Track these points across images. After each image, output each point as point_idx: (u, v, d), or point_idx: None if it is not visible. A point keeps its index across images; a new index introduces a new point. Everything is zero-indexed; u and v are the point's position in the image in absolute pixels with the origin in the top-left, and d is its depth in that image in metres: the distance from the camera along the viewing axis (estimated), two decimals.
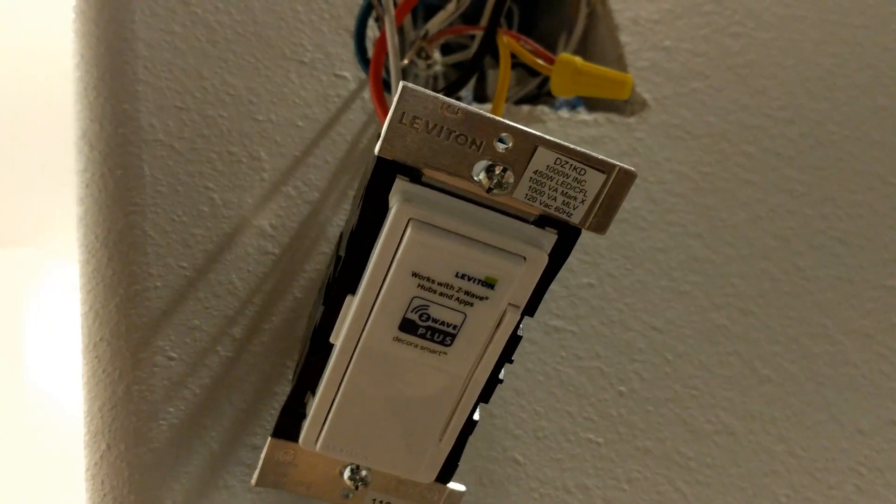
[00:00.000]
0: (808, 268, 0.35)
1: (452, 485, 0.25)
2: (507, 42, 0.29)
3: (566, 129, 0.35)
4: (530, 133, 0.19)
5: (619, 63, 0.37)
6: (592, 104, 0.36)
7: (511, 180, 0.19)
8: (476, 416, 0.23)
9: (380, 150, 0.19)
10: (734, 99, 0.37)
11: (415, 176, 0.20)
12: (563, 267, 0.21)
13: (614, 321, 0.32)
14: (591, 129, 0.35)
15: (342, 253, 0.22)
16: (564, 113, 0.35)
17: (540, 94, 0.39)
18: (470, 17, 0.37)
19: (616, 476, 0.30)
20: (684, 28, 0.38)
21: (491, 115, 0.19)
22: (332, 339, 0.22)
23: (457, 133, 0.19)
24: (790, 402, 0.33)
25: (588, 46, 0.39)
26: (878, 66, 0.39)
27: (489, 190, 0.19)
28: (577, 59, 0.30)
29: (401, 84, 0.18)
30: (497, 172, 0.19)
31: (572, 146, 0.19)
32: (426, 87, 0.36)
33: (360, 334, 0.21)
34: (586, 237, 0.33)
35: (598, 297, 0.32)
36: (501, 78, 0.27)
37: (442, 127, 0.19)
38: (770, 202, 0.35)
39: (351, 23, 0.33)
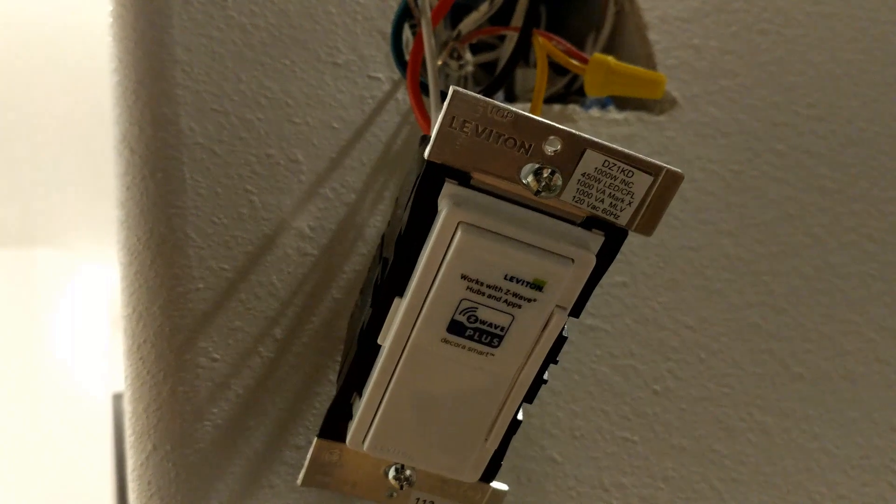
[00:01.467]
0: (839, 265, 0.35)
1: (495, 484, 0.25)
2: (543, 43, 0.29)
3: (597, 127, 0.35)
4: (579, 136, 0.19)
5: (648, 61, 0.37)
6: (622, 103, 0.36)
7: (559, 183, 0.20)
8: (520, 417, 0.23)
9: (430, 155, 0.19)
10: (763, 96, 0.37)
11: (464, 179, 0.20)
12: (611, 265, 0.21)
13: (648, 319, 0.32)
14: (622, 128, 0.35)
15: (388, 255, 0.22)
16: (595, 112, 0.35)
17: (568, 93, 0.39)
18: (495, 17, 0.37)
19: (652, 474, 0.30)
20: (713, 26, 0.38)
21: (540, 119, 0.19)
22: (379, 341, 0.22)
23: (505, 136, 0.19)
24: (823, 399, 0.33)
25: (616, 45, 0.39)
26: None
27: (537, 193, 0.20)
28: (611, 59, 0.30)
29: (451, 88, 0.18)
30: (545, 175, 0.19)
31: (620, 148, 0.19)
32: (458, 86, 0.36)
33: (409, 336, 0.21)
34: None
35: (632, 296, 0.32)
36: (539, 79, 0.28)
37: (491, 130, 0.19)
38: (801, 200, 0.35)
39: (384, 24, 0.33)
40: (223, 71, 0.31)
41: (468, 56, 0.34)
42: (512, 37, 0.37)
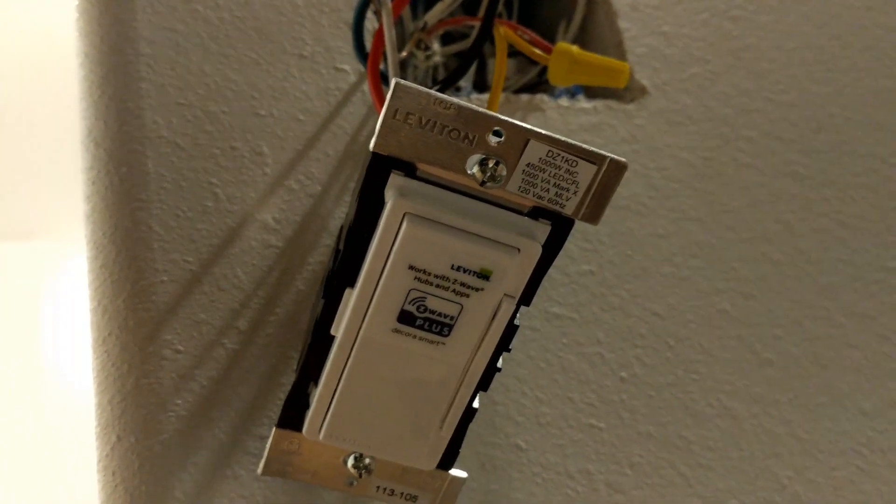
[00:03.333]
0: (809, 251, 0.35)
1: (454, 471, 0.25)
2: (504, 33, 0.29)
3: (566, 117, 0.35)
4: (522, 126, 0.19)
5: (619, 49, 0.37)
6: (592, 92, 0.36)
7: (504, 173, 0.20)
8: (476, 404, 0.24)
9: (374, 146, 0.19)
10: (734, 83, 0.37)
11: (409, 170, 0.20)
12: (563, 254, 0.22)
13: (615, 307, 0.32)
14: (590, 117, 0.35)
15: (341, 247, 0.22)
16: (564, 101, 0.35)
17: (541, 83, 0.39)
18: (469, 6, 0.37)
19: (618, 461, 0.31)
20: (683, 13, 0.38)
21: (483, 110, 0.19)
22: (332, 331, 0.22)
23: (450, 128, 0.19)
24: (792, 384, 0.33)
25: (587, 33, 0.39)
26: (880, 47, 0.39)
27: (483, 183, 0.20)
28: (574, 49, 0.30)
29: (393, 81, 0.19)
30: (490, 166, 0.20)
31: (563, 138, 0.19)
32: (426, 78, 0.36)
33: (360, 326, 0.21)
34: (586, 225, 0.33)
35: (599, 284, 0.32)
36: (497, 69, 0.28)
37: (435, 122, 0.19)
38: (771, 186, 0.36)
39: (350, 15, 0.33)
40: (188, 64, 0.31)
41: (436, 46, 0.34)
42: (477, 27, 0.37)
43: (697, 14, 0.38)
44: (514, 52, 0.36)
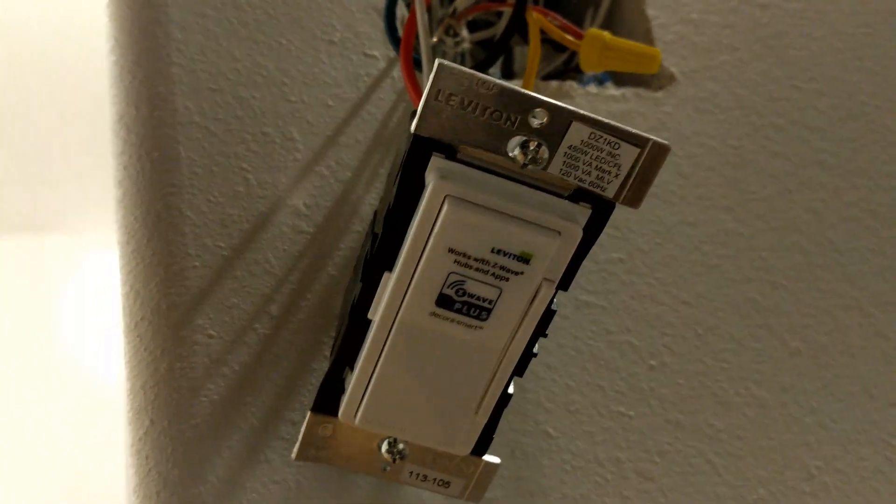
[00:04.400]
0: (839, 240, 0.35)
1: (487, 457, 0.25)
2: (537, 18, 0.29)
3: (594, 104, 0.35)
4: (565, 108, 0.19)
5: (647, 37, 0.37)
6: (620, 79, 0.36)
7: (546, 156, 0.20)
8: (511, 390, 0.23)
9: (416, 128, 0.19)
10: (763, 71, 0.37)
11: (450, 153, 0.20)
12: (598, 238, 0.21)
13: (644, 295, 0.32)
14: (619, 104, 0.35)
15: (378, 230, 0.22)
16: (592, 88, 0.35)
17: (567, 70, 0.39)
18: None
19: (647, 449, 0.30)
20: (712, 0, 0.38)
21: (525, 91, 0.19)
22: (369, 316, 0.22)
23: (492, 109, 0.19)
24: (821, 374, 0.33)
25: (615, 20, 0.39)
26: None
27: (524, 166, 0.20)
28: (606, 34, 0.30)
29: (437, 61, 0.18)
30: (532, 148, 0.19)
31: (606, 121, 0.19)
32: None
33: (398, 310, 0.21)
34: (615, 212, 0.33)
35: (628, 272, 0.32)
36: (532, 55, 0.28)
37: (477, 103, 0.19)
38: (800, 175, 0.35)
39: (379, 1, 0.33)
40: (218, 49, 0.31)
41: (465, 33, 0.34)
42: (508, 13, 0.37)
43: (726, 1, 0.37)
44: (541, 40, 0.36)
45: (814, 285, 0.34)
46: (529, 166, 0.20)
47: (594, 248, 0.31)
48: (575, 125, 0.19)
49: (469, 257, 0.20)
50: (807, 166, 0.36)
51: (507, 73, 0.39)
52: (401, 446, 0.25)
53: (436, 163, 0.20)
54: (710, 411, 0.31)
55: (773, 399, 0.32)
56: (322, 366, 0.28)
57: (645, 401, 0.31)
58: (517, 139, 0.19)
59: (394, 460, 0.25)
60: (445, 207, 0.20)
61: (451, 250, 0.20)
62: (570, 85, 0.35)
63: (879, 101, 0.37)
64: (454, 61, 0.35)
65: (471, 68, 0.28)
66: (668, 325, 0.32)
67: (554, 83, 0.35)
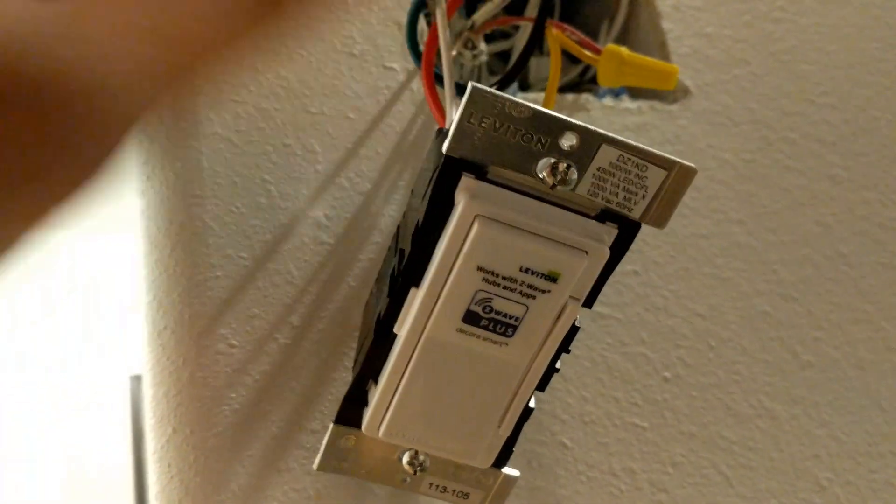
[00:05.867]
0: (850, 254, 0.35)
1: (507, 469, 0.25)
2: (556, 35, 0.29)
3: (610, 117, 0.35)
4: (595, 131, 0.19)
5: (662, 50, 0.37)
6: (635, 92, 0.36)
7: (574, 177, 0.20)
8: (532, 404, 0.24)
9: (448, 149, 0.20)
10: (776, 85, 0.37)
11: (480, 173, 0.20)
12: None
13: (658, 308, 0.33)
14: (634, 118, 0.35)
15: (404, 246, 0.22)
16: (608, 101, 0.35)
17: (581, 82, 0.39)
18: (509, 7, 0.37)
19: (661, 460, 0.31)
20: (726, 14, 0.38)
21: (558, 115, 0.19)
22: (395, 330, 0.22)
23: (523, 132, 0.19)
24: (832, 387, 0.33)
25: (630, 34, 0.39)
26: None
27: (553, 186, 0.20)
28: (624, 50, 0.30)
29: (470, 85, 0.19)
30: (561, 169, 0.20)
31: (635, 143, 0.20)
32: (471, 76, 0.36)
33: (425, 326, 0.22)
34: None
35: (643, 285, 0.33)
36: (553, 72, 0.28)
37: (508, 126, 0.19)
38: (812, 188, 0.36)
39: (399, 14, 0.33)
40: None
41: (482, 46, 0.34)
42: (526, 26, 0.37)
43: (740, 16, 0.38)
44: None
45: (825, 298, 0.34)
46: (558, 187, 0.20)
47: None
48: (604, 147, 0.20)
49: (497, 275, 0.21)
50: (819, 180, 0.36)
51: (522, 85, 0.40)
52: (422, 458, 0.25)
53: (466, 183, 0.20)
54: (722, 423, 0.32)
55: (785, 411, 0.33)
56: (342, 376, 0.28)
57: (659, 412, 0.31)
58: (546, 160, 0.20)
59: (415, 472, 0.25)
60: (476, 227, 0.20)
61: (479, 268, 0.20)
62: (587, 98, 0.35)
63: (891, 116, 0.37)
64: (472, 73, 0.36)
65: (491, 85, 0.29)
66: (681, 337, 0.32)
67: (570, 96, 0.35)
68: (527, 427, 0.30)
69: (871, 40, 0.39)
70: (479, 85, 0.19)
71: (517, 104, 0.19)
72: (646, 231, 0.34)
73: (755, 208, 0.35)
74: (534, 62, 0.40)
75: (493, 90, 0.19)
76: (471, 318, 0.21)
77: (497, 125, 0.19)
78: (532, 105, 0.19)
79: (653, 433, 0.31)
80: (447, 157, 0.20)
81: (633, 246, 0.33)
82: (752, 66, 0.37)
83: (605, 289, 0.33)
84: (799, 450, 0.32)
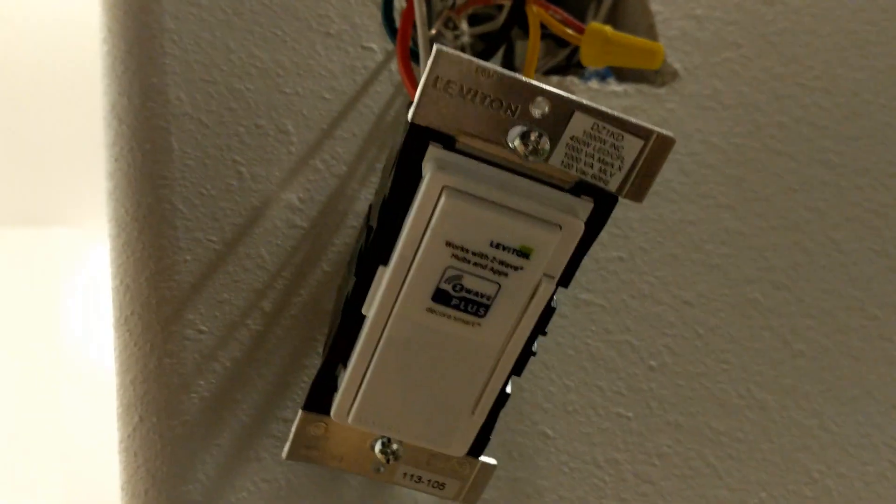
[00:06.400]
0: (842, 240, 0.34)
1: (484, 458, 0.24)
2: (537, 12, 0.28)
3: (596, 99, 0.34)
4: (567, 97, 0.18)
5: (650, 32, 0.36)
6: (622, 74, 0.36)
7: (547, 147, 0.19)
8: (508, 389, 0.23)
9: (413, 116, 0.19)
10: (767, 68, 0.36)
11: (448, 143, 0.19)
12: (600, 233, 0.21)
13: (645, 295, 0.32)
14: (621, 100, 0.34)
15: (374, 223, 0.21)
16: (594, 84, 0.34)
17: (569, 65, 0.38)
18: None
19: (646, 451, 0.30)
20: None
21: (527, 79, 0.18)
22: (363, 311, 0.21)
23: (491, 98, 0.19)
24: (824, 376, 0.32)
25: (618, 15, 0.38)
26: None
27: (525, 157, 0.19)
28: (608, 29, 0.29)
29: (435, 47, 0.18)
30: (533, 139, 0.19)
31: (610, 111, 0.19)
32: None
33: (393, 305, 0.21)
34: (616, 209, 0.32)
35: (629, 271, 0.32)
36: (531, 48, 0.27)
37: (476, 91, 0.18)
38: (804, 173, 0.35)
39: None
40: (212, 40, 0.30)
41: (464, 26, 0.33)
42: (508, 6, 0.36)
43: None
44: (543, 34, 0.35)
45: (816, 286, 0.33)
46: (530, 157, 0.19)
47: (594, 246, 0.30)
48: (577, 115, 0.19)
49: (467, 251, 0.20)
50: (810, 165, 0.35)
51: (508, 68, 0.39)
52: (395, 446, 0.24)
53: (433, 153, 0.19)
54: (710, 413, 0.31)
55: (775, 401, 0.32)
56: (315, 363, 0.27)
57: (644, 402, 0.30)
58: (518, 129, 0.19)
59: (387, 461, 0.24)
60: (443, 199, 0.19)
61: (448, 244, 0.20)
62: (571, 80, 0.34)
63: (885, 100, 0.37)
64: None
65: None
66: (668, 325, 0.31)
67: (555, 78, 0.34)
68: (507, 416, 0.29)
69: (865, 23, 0.38)
70: (444, 47, 0.18)
71: (484, 67, 0.18)
72: (632, 216, 0.33)
73: (745, 193, 0.34)
74: (520, 46, 0.39)
75: (459, 53, 0.18)
76: (441, 296, 0.20)
77: (465, 91, 0.18)
78: (499, 69, 0.18)
79: (638, 423, 0.30)
80: (412, 125, 0.19)
81: (618, 230, 0.33)
82: (742, 48, 0.36)
83: (590, 275, 0.32)
84: (789, 441, 0.31)
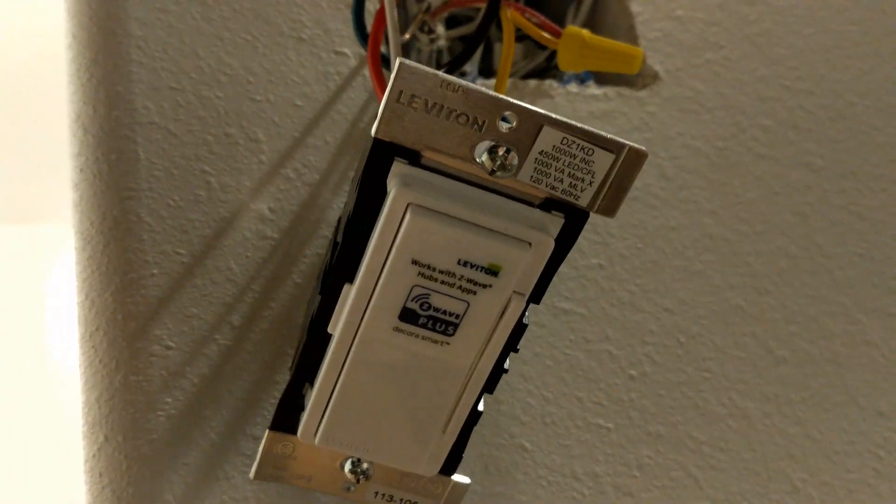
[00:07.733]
0: (826, 245, 0.34)
1: (457, 477, 0.24)
2: (512, 15, 0.28)
3: (575, 103, 0.33)
4: (535, 111, 0.18)
5: (630, 34, 0.35)
6: (602, 78, 0.35)
7: (515, 162, 0.18)
8: (481, 407, 0.22)
9: (377, 132, 0.18)
10: (750, 70, 0.36)
11: (414, 158, 0.19)
12: (572, 248, 0.20)
13: (625, 303, 0.31)
14: (600, 104, 0.34)
15: (339, 240, 0.21)
16: (573, 87, 0.34)
17: (549, 68, 0.38)
18: None
19: (627, 462, 0.29)
20: None
21: (493, 93, 0.18)
22: (329, 329, 0.21)
23: (458, 112, 0.18)
24: (807, 383, 0.32)
25: (598, 17, 0.38)
26: None
27: (492, 172, 0.18)
28: (585, 32, 0.29)
29: (398, 61, 0.17)
30: (500, 154, 0.18)
31: (579, 125, 0.18)
32: (429, 62, 0.35)
33: (359, 325, 0.20)
34: (595, 216, 0.32)
35: (608, 278, 0.31)
36: (504, 53, 0.26)
37: (442, 106, 0.18)
38: (787, 177, 0.34)
39: None
40: (180, 47, 0.29)
41: (440, 30, 0.33)
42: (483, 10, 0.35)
43: None
44: (522, 37, 0.34)
45: (800, 291, 0.33)
46: (498, 173, 0.18)
47: (572, 254, 0.30)
48: (546, 129, 0.18)
49: (434, 269, 0.19)
50: (794, 168, 0.34)
51: (487, 71, 0.38)
52: (365, 466, 0.23)
53: (398, 169, 0.19)
54: (691, 423, 0.30)
55: (758, 410, 0.31)
56: (285, 378, 0.27)
57: (624, 412, 0.30)
58: (485, 144, 0.18)
59: (358, 480, 0.23)
60: (408, 216, 0.18)
61: (414, 262, 0.19)
62: (550, 84, 0.33)
63: (869, 102, 0.36)
64: (429, 58, 0.34)
65: (444, 66, 0.27)
66: (649, 333, 0.31)
67: (533, 82, 0.33)
68: (484, 429, 0.28)
69: (849, 23, 0.37)
70: (407, 60, 0.17)
71: (449, 81, 0.17)
72: (611, 222, 0.32)
73: (727, 198, 0.33)
74: (499, 47, 0.38)
75: (423, 66, 0.17)
76: (408, 315, 0.20)
77: (429, 105, 0.18)
78: (465, 83, 0.17)
79: (618, 434, 0.29)
80: (376, 140, 0.18)
81: (598, 238, 0.32)
82: (725, 49, 0.36)
83: (569, 283, 0.32)
84: (772, 450, 0.31)
